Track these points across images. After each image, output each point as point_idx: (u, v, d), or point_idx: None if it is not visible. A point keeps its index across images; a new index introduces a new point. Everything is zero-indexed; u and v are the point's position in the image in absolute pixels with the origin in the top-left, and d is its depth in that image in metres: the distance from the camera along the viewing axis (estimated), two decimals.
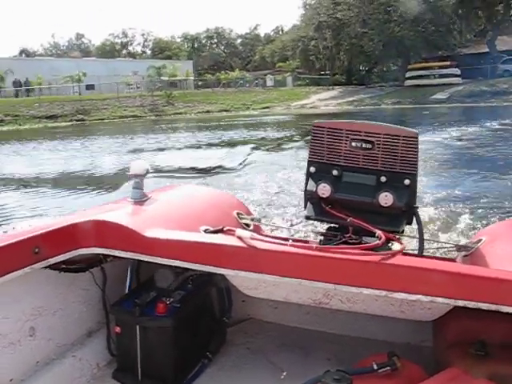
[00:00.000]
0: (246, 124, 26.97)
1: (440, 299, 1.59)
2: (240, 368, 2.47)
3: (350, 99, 39.65)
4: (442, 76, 40.17)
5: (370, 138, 2.10)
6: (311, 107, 38.00)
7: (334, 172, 2.14)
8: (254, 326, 2.86)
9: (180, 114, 36.76)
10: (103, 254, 2.12)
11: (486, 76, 39.04)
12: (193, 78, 51.93)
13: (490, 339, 1.82)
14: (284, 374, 2.39)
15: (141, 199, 2.29)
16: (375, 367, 1.67)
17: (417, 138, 2.08)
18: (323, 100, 40.48)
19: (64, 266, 2.10)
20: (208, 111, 37.56)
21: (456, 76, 39.88)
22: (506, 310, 1.52)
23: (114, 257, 2.07)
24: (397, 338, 2.48)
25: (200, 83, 50.56)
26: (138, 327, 2.18)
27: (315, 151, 2.20)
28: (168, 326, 2.18)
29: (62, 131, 27.18)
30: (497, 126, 19.26)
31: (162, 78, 45.35)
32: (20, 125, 31.27)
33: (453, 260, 2.45)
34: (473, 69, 39.64)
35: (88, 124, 32.10)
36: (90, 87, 44.76)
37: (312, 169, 2.20)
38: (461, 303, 1.57)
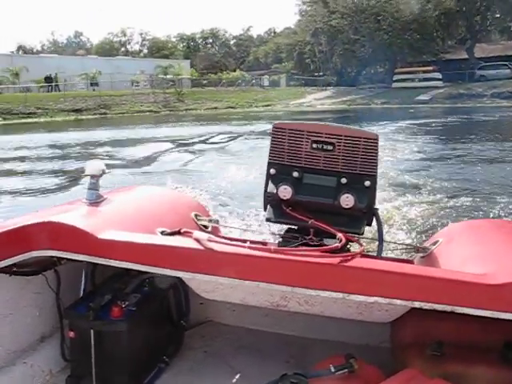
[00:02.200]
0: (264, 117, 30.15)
1: (397, 301, 1.58)
2: (197, 372, 2.41)
3: (343, 99, 42.67)
4: (425, 79, 43.45)
5: (330, 140, 2.06)
6: (308, 105, 41.00)
7: (295, 174, 2.08)
8: (212, 328, 2.80)
9: (191, 109, 39.57)
10: (57, 257, 2.01)
11: (464, 80, 42.84)
12: (196, 77, 54.68)
13: (447, 339, 1.82)
14: (242, 377, 2.35)
15: (96, 200, 2.21)
16: (332, 370, 1.65)
17: (377, 140, 2.04)
18: (319, 99, 43.54)
19: (15, 270, 2.01)
20: (216, 108, 40.41)
21: (438, 80, 43.42)
22: (460, 311, 1.53)
23: (68, 259, 1.97)
24: (355, 339, 2.45)
25: (205, 82, 53.35)
26: (92, 332, 2.09)
27: (276, 153, 2.13)
28: (123, 330, 2.11)
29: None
30: (458, 120, 25.38)
31: (168, 76, 48.19)
32: (51, 117, 33.72)
33: (411, 261, 2.44)
34: (453, 73, 43.28)
35: (111, 117, 34.71)
36: (93, 84, 46.45)
37: (272, 170, 2.13)
38: (417, 304, 1.56)
